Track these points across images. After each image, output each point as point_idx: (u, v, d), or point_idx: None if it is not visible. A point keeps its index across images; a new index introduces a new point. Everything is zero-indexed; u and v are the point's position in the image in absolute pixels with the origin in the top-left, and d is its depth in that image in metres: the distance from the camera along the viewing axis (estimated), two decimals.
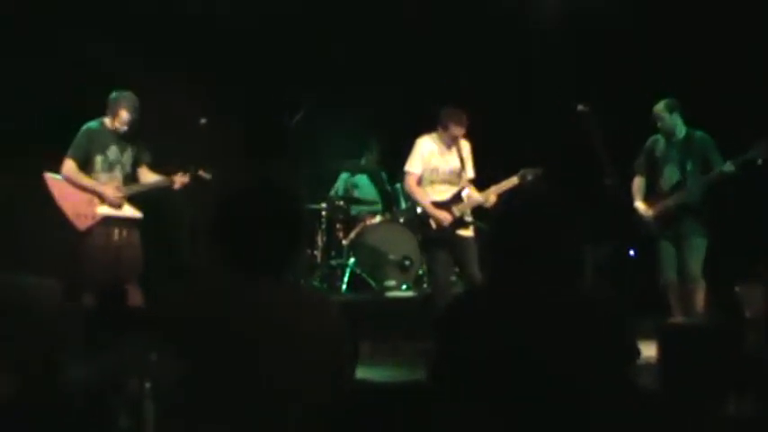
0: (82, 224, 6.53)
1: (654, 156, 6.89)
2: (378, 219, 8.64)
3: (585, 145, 6.69)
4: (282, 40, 8.75)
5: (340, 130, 9.24)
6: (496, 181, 6.91)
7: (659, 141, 6.87)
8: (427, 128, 6.96)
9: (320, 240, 8.72)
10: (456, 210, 6.83)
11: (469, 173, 6.97)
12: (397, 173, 8.86)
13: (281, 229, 2.62)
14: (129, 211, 6.63)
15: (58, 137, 7.24)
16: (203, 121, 6.59)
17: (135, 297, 6.28)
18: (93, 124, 6.61)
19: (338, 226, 8.79)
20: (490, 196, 6.83)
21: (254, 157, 6.90)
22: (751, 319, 4.94)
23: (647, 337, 5.10)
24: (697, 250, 6.67)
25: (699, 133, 6.75)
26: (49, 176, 6.56)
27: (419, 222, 6.99)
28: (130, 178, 6.71)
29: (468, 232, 6.87)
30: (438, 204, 6.83)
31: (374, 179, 9.22)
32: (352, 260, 8.31)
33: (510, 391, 2.47)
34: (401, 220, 8.56)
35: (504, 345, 2.50)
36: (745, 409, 3.38)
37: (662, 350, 5.13)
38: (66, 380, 2.89)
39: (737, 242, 7.34)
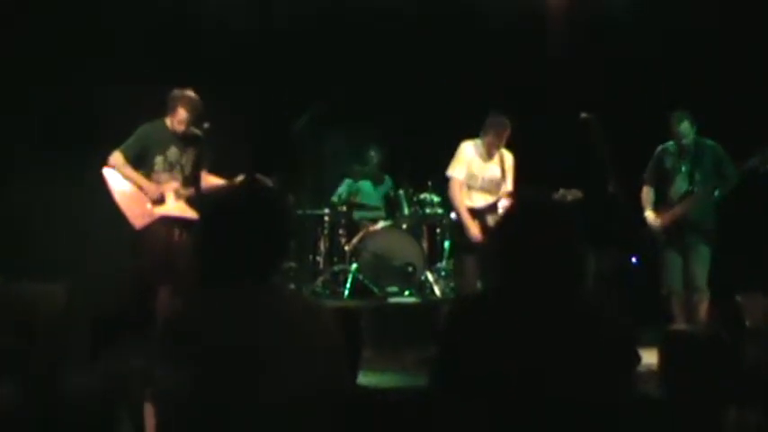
0: (139, 223, 6.44)
1: (663, 165, 6.89)
2: (380, 225, 8.63)
3: (589, 153, 6.70)
4: (288, 45, 8.77)
5: (343, 136, 9.26)
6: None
7: (669, 151, 6.87)
8: (433, 134, 6.97)
9: (323, 246, 8.73)
10: (490, 219, 6.85)
11: (508, 185, 6.97)
12: (400, 179, 8.90)
13: (266, 236, 2.62)
14: (188, 212, 6.54)
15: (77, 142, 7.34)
16: (206, 125, 6.58)
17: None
18: (151, 123, 6.54)
19: (341, 232, 8.79)
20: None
21: (258, 162, 6.91)
22: (751, 329, 4.95)
23: (649, 344, 5.11)
24: (703, 260, 6.69)
25: (709, 143, 6.75)
26: (107, 171, 6.46)
27: (453, 227, 7.01)
28: (190, 180, 6.62)
29: None
30: (473, 211, 6.84)
31: (377, 185, 9.22)
32: (354, 266, 8.30)
33: (510, 396, 2.48)
34: (404, 227, 8.56)
35: (504, 350, 2.50)
36: (745, 418, 3.38)
37: (663, 357, 5.13)
38: (70, 385, 2.90)
39: (739, 251, 7.34)
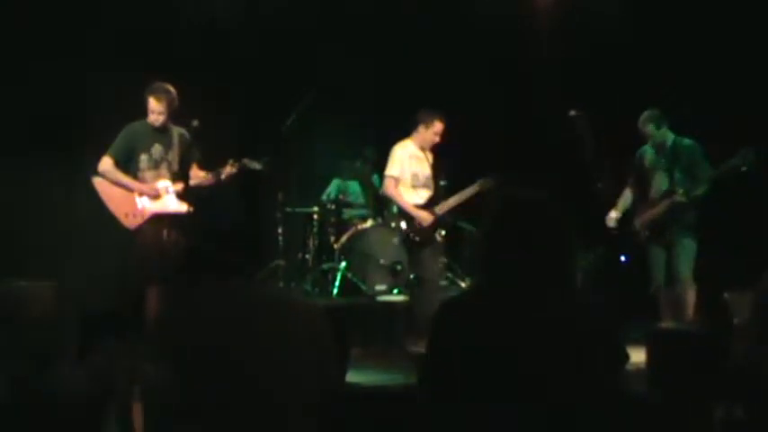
0: (131, 223, 6.47)
1: (643, 167, 6.93)
2: (369, 223, 8.64)
3: (578, 149, 6.72)
4: (277, 42, 8.76)
5: (334, 133, 9.25)
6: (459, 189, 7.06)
7: (647, 152, 6.92)
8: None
9: (311, 244, 8.73)
10: (436, 209, 6.94)
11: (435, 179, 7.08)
12: None
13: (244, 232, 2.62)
14: (179, 208, 6.53)
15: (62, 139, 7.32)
16: (195, 123, 6.58)
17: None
18: (134, 124, 6.55)
19: (330, 230, 8.79)
20: (452, 202, 6.95)
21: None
22: (739, 326, 4.95)
23: (637, 342, 5.13)
24: (686, 252, 6.70)
25: (687, 141, 6.78)
26: (96, 179, 6.49)
27: (399, 225, 7.08)
28: (179, 176, 6.60)
29: (439, 236, 6.99)
30: (419, 207, 6.91)
31: (367, 184, 9.22)
32: (343, 264, 8.31)
33: (498, 395, 2.48)
34: (392, 225, 8.56)
35: (492, 348, 2.50)
36: (732, 414, 3.40)
37: (651, 355, 5.15)
38: (57, 385, 2.89)
39: (726, 248, 7.36)
